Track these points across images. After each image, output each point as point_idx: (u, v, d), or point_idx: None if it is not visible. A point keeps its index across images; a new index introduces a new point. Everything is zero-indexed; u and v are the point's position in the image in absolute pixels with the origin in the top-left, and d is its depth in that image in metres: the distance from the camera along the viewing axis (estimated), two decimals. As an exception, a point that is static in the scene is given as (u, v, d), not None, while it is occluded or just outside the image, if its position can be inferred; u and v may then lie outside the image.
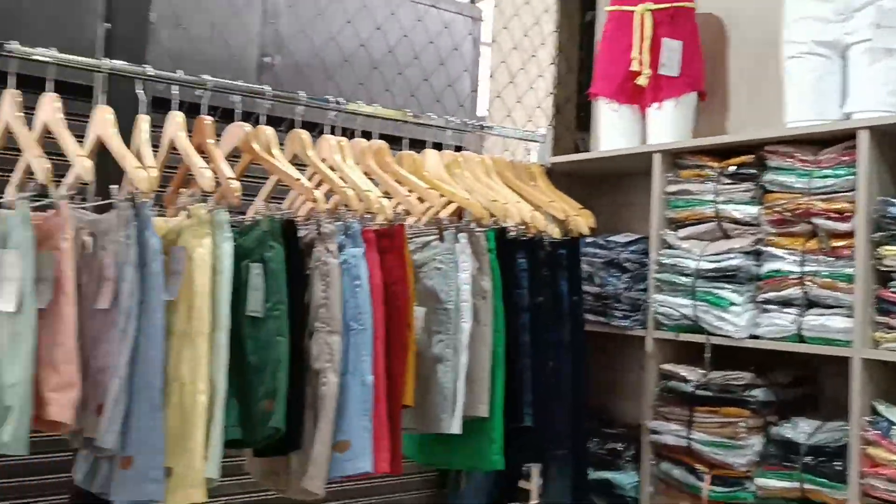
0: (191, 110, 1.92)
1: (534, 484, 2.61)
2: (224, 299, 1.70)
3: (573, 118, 3.31)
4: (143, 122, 1.81)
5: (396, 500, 3.05)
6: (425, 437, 2.18)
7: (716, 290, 2.34)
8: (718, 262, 2.34)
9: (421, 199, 2.12)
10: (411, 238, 2.12)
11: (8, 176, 1.81)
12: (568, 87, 3.30)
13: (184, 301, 1.67)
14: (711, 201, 2.41)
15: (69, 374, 1.55)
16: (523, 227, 2.23)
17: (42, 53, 1.75)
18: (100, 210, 1.78)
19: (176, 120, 1.85)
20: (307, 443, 1.81)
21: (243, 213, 1.98)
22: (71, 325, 1.57)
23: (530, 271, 2.22)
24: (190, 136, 1.87)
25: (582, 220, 2.34)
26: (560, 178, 2.65)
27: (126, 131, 1.80)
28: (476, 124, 2.52)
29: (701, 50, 2.73)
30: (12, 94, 1.70)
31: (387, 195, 2.03)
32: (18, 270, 1.54)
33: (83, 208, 1.78)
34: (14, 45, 1.71)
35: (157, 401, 1.60)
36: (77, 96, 2.08)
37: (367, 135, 2.17)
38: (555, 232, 2.29)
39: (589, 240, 2.69)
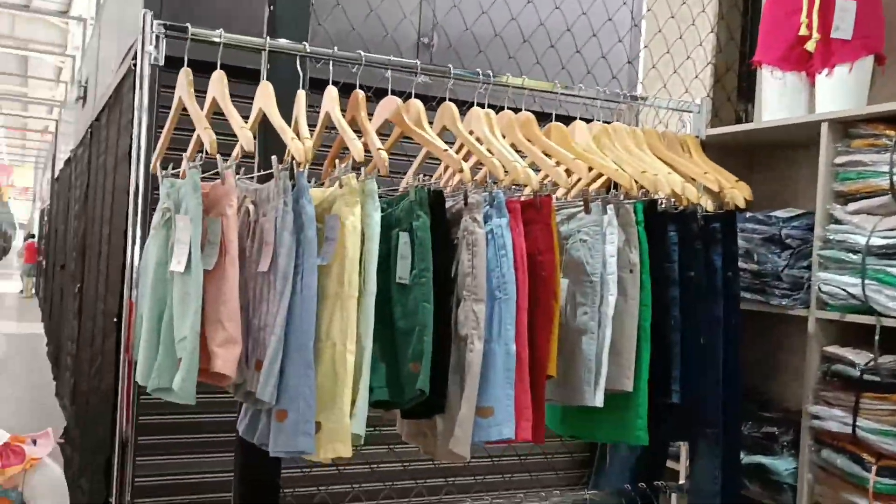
0: (347, 90, 2.01)
1: (682, 464, 2.54)
2: (372, 265, 1.77)
3: (734, 88, 3.16)
4: (302, 98, 1.90)
5: (545, 479, 3.07)
6: (568, 410, 2.19)
7: (889, 269, 2.18)
8: (893, 238, 2.18)
9: (568, 171, 2.11)
10: (558, 210, 2.12)
11: (184, 149, 1.98)
12: (729, 56, 3.15)
13: (336, 266, 1.75)
14: (887, 173, 2.24)
15: (233, 331, 1.67)
16: (674, 199, 2.17)
17: (212, 34, 1.88)
18: (262, 180, 1.90)
19: (331, 95, 1.93)
20: (452, 406, 1.86)
21: (396, 185, 2.05)
22: (234, 286, 1.69)
23: (681, 245, 2.15)
24: (344, 112, 1.95)
25: (738, 193, 2.24)
26: (717, 151, 2.55)
27: (287, 109, 1.91)
28: (627, 95, 2.46)
29: (881, 8, 2.53)
30: (186, 73, 1.84)
31: (534, 167, 2.03)
32: (188, 234, 1.68)
33: (247, 178, 1.91)
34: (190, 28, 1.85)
35: (310, 359, 1.69)
36: (245, 80, 2.23)
37: (516, 112, 2.18)
38: (708, 205, 2.21)
39: (748, 215, 2.58)
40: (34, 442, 1.76)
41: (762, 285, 2.54)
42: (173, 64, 1.90)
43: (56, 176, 12.59)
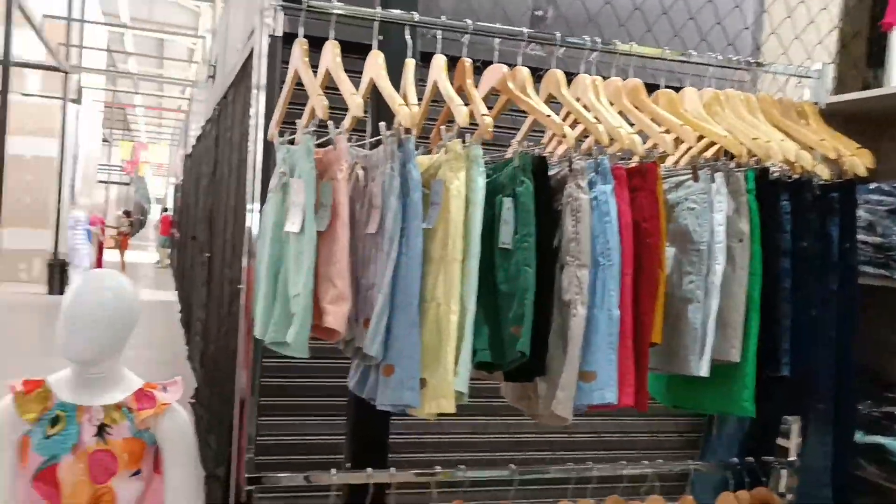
0: (455, 64, 2.04)
1: (792, 441, 2.47)
2: (475, 229, 1.81)
3: (863, 54, 3.00)
4: (410, 66, 1.96)
5: (648, 450, 3.05)
6: (673, 379, 2.17)
7: None
8: None
9: (677, 139, 2.08)
10: (665, 178, 2.09)
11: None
12: (857, 20, 2.99)
13: (440, 230, 1.81)
14: None
15: (343, 289, 1.75)
16: (788, 167, 2.10)
17: (327, 5, 1.96)
18: (372, 147, 1.98)
19: (439, 63, 1.98)
20: (554, 370, 1.89)
21: (502, 154, 2.08)
22: (344, 247, 1.77)
23: (794, 214, 2.09)
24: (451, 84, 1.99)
25: (858, 161, 2.15)
26: (842, 120, 2.44)
27: (396, 80, 1.97)
28: (742, 60, 2.39)
29: None
30: (301, 43, 1.93)
31: (642, 134, 2.02)
32: (302, 197, 1.77)
33: (358, 145, 1.98)
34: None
35: (415, 317, 1.75)
36: (357, 54, 2.30)
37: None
38: (825, 173, 2.13)
39: (872, 186, 2.46)
40: (164, 389, 1.91)
41: (886, 259, 2.43)
42: (292, 40, 1.99)
43: (188, 152, 13.28)
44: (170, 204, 24.62)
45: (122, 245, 17.78)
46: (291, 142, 1.95)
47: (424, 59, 2.09)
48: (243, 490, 1.82)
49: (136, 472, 1.85)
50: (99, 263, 16.48)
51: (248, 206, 1.85)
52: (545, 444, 2.98)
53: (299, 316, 1.74)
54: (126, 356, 1.88)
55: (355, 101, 1.79)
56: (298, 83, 2.00)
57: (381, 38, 2.26)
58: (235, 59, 5.83)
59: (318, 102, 1.82)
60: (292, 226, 1.78)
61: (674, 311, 2.01)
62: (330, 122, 1.85)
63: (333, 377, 2.84)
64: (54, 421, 1.82)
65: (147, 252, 24.32)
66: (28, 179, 13.01)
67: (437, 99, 2.00)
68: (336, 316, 1.74)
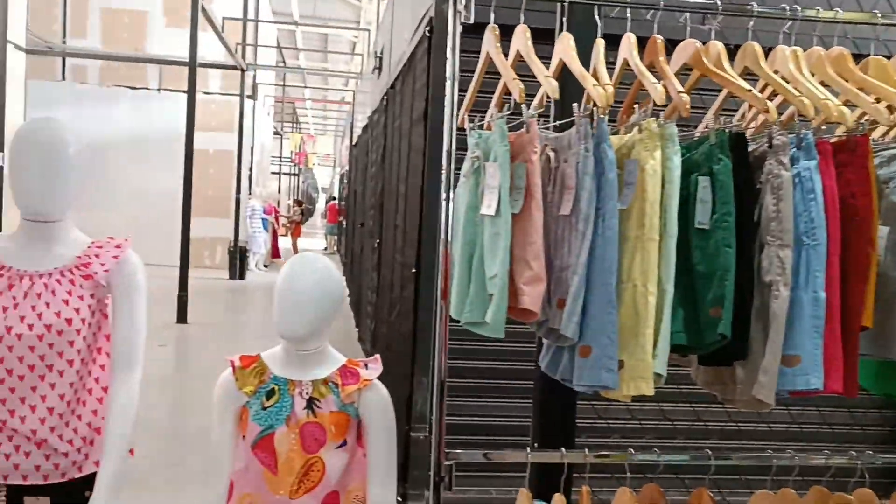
0: (641, 43, 2.00)
1: None
2: (672, 209, 1.78)
3: None
4: (600, 46, 1.94)
5: (848, 436, 2.89)
6: (885, 366, 2.04)
7: None
8: None
9: (891, 108, 1.94)
10: (876, 151, 1.96)
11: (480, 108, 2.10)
12: None
13: (635, 210, 1.79)
14: None
15: (538, 269, 1.77)
16: None
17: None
18: (559, 129, 1.98)
19: (629, 41, 1.95)
20: (754, 353, 1.82)
21: (692, 128, 2.02)
22: (539, 227, 1.79)
23: None
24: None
25: None
26: None
27: (583, 61, 1.95)
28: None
29: None
30: (492, 29, 1.96)
31: (848, 105, 1.90)
32: (497, 180, 1.80)
33: (545, 127, 1.99)
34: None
35: (612, 298, 1.75)
36: (539, 40, 2.31)
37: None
38: None
39: None
40: (366, 366, 2.00)
41: None
42: (467, 30, 2.02)
43: (354, 142, 13.79)
44: (336, 193, 25.66)
45: (294, 232, 18.75)
46: (480, 126, 1.98)
47: (609, 42, 2.06)
48: (443, 466, 1.88)
49: (342, 444, 1.95)
50: (274, 250, 17.50)
51: (443, 194, 1.91)
52: (734, 433, 2.89)
53: (497, 296, 1.77)
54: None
55: (551, 84, 1.79)
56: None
57: (564, 19, 2.26)
58: (402, 50, 6.00)
59: (514, 86, 1.84)
60: (488, 208, 1.82)
61: (887, 293, 1.89)
62: (521, 105, 1.87)
63: (514, 360, 2.88)
64: (270, 394, 1.95)
65: (314, 239, 25.52)
66: (210, 172, 13.99)
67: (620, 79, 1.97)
68: (532, 297, 1.76)
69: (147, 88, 14.59)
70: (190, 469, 4.57)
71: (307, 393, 1.95)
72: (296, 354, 1.96)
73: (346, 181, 17.41)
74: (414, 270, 4.31)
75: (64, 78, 13.66)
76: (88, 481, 1.91)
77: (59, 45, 12.82)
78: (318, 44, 25.00)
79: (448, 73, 1.91)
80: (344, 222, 17.43)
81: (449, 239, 1.95)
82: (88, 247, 1.97)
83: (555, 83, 1.80)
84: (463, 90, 3.52)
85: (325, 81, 25.30)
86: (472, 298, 1.89)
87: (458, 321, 1.94)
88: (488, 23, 2.00)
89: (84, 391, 1.93)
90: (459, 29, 1.89)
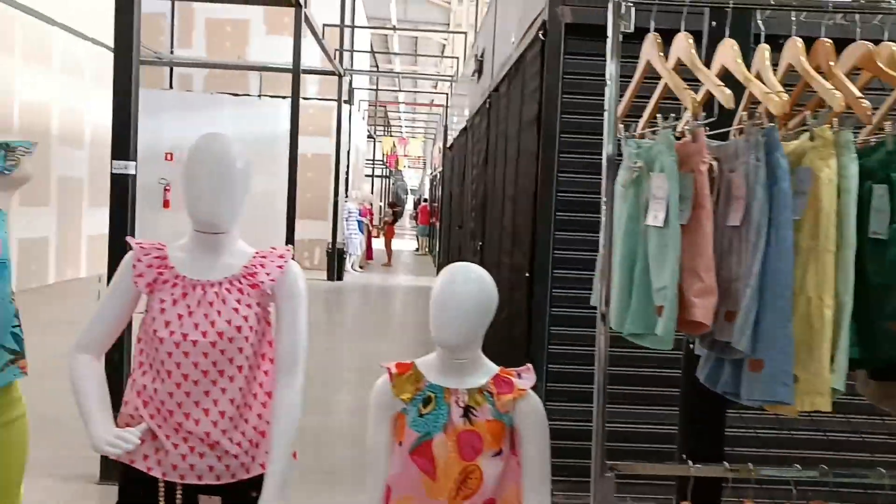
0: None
1: None
2: (850, 218, 1.72)
3: None
4: (764, 51, 1.89)
5: None
6: None
7: None
8: None
9: None
10: None
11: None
12: None
13: (809, 219, 1.73)
14: None
15: (709, 281, 1.74)
16: None
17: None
18: (718, 137, 1.94)
19: (796, 45, 1.89)
20: (934, 369, 1.75)
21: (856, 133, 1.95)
22: (709, 238, 1.76)
23: None
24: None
25: None
26: None
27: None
28: None
29: None
30: (654, 37, 1.94)
31: None
32: (665, 191, 1.78)
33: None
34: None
35: (787, 311, 1.70)
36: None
37: None
38: None
39: None
40: (519, 375, 2.01)
41: None
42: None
43: (449, 144, 13.86)
44: (426, 194, 25.86)
45: (388, 234, 19.00)
46: (632, 136, 1.96)
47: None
48: (604, 476, 1.87)
49: (498, 452, 1.97)
50: (368, 252, 17.79)
51: (603, 200, 1.89)
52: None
53: (668, 308, 1.75)
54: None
55: (725, 93, 1.76)
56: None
57: (713, 24, 2.22)
58: (507, 53, 5.99)
59: (685, 97, 1.81)
60: (655, 220, 1.80)
61: None
62: (685, 114, 1.84)
63: (662, 367, 2.83)
64: (426, 401, 1.98)
65: (404, 240, 25.80)
66: (308, 176, 14.31)
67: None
68: (704, 309, 1.73)
69: (248, 94, 15.04)
70: (320, 469, 4.63)
71: (463, 401, 1.97)
72: (451, 363, 1.99)
73: (437, 183, 17.51)
74: (528, 274, 4.29)
75: (171, 86, 14.20)
76: (254, 483, 1.98)
77: (167, 55, 13.34)
78: (408, 47, 25.27)
79: (608, 75, 1.89)
80: (437, 224, 17.55)
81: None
82: (253, 257, 2.04)
83: (728, 92, 1.77)
84: (586, 95, 3.48)
85: (415, 85, 25.54)
86: (633, 310, 1.87)
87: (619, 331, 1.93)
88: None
89: (251, 396, 2.01)
90: (619, 37, 1.87)
